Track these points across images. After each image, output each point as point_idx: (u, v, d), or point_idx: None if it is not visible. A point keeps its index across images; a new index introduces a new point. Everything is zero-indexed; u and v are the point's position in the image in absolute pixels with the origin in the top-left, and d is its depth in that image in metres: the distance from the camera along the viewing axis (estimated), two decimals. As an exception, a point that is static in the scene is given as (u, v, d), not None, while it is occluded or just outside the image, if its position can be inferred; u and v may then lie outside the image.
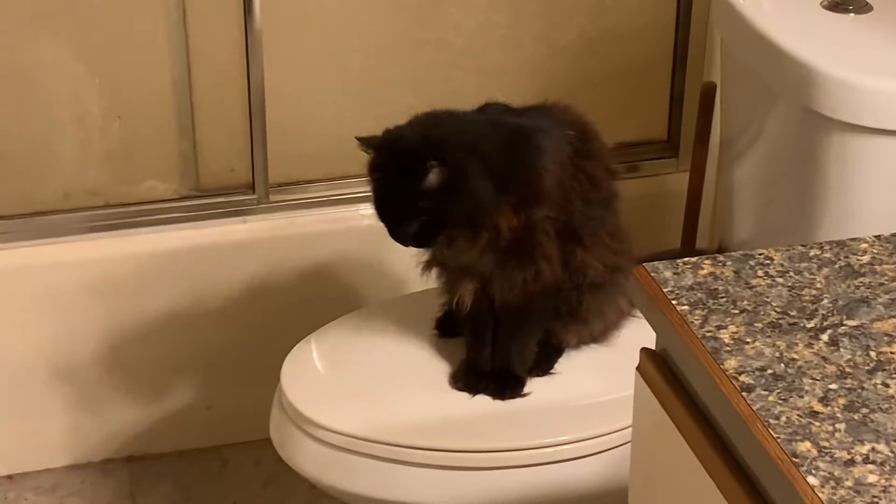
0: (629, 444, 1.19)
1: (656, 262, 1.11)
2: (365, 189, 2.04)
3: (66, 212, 2.01)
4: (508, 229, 1.49)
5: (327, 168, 2.09)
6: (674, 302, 1.07)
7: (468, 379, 1.58)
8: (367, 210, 2.05)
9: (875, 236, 1.14)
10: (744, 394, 0.97)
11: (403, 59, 2.06)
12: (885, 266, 1.11)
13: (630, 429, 1.19)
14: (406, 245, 1.47)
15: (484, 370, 1.58)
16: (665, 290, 1.08)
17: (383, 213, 1.47)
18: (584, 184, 1.55)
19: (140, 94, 1.99)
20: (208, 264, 2.05)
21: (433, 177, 1.42)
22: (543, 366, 1.61)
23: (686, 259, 1.12)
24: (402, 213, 1.45)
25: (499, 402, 1.57)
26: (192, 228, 2.04)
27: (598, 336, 1.64)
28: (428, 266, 1.61)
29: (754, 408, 0.95)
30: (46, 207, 2.00)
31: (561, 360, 1.63)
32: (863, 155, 1.49)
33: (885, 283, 1.08)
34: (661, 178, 2.19)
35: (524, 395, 1.58)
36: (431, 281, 1.62)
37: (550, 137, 1.52)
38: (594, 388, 1.60)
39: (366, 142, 1.47)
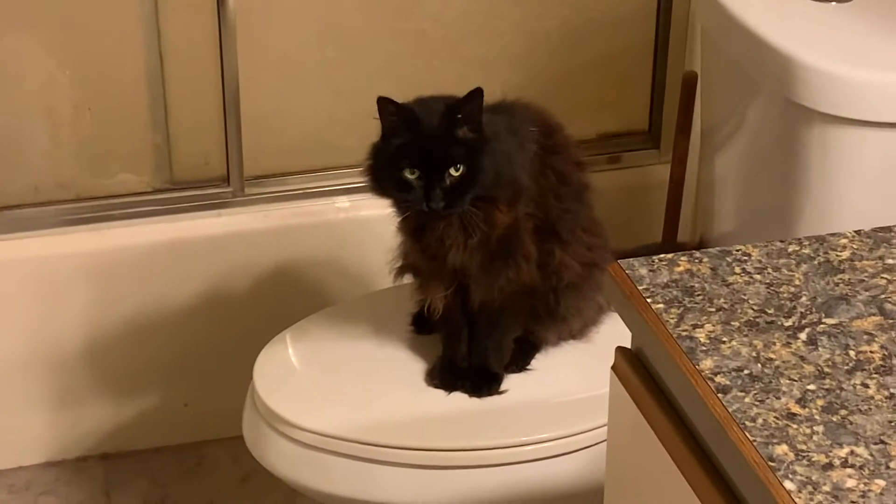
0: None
1: (631, 259, 1.09)
2: (341, 181, 2.06)
3: (37, 205, 1.98)
4: (502, 226, 1.48)
5: (303, 160, 2.06)
6: (649, 300, 1.04)
7: (444, 376, 1.56)
8: (344, 203, 2.06)
9: (855, 231, 1.12)
10: (720, 395, 0.94)
11: (381, 49, 2.04)
12: (864, 262, 1.08)
13: (608, 427, 1.17)
14: (435, 206, 1.43)
15: (460, 367, 1.56)
16: (640, 287, 1.06)
17: (418, 163, 1.43)
18: (552, 180, 1.53)
19: (112, 85, 1.96)
20: (183, 258, 2.02)
21: (463, 133, 1.43)
22: (520, 362, 1.59)
23: (662, 256, 1.09)
24: (437, 162, 1.42)
25: (476, 400, 1.55)
26: (165, 222, 2.01)
27: (577, 333, 1.62)
28: (401, 272, 1.59)
29: (730, 409, 0.93)
30: (16, 201, 1.98)
31: (539, 356, 1.61)
32: (844, 146, 1.47)
33: (865, 279, 1.06)
34: (643, 170, 2.17)
35: (501, 393, 1.56)
36: (407, 279, 1.60)
37: (520, 135, 1.50)
38: (572, 385, 1.58)
39: (390, 101, 1.44)
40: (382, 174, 1.47)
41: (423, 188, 1.43)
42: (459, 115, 1.43)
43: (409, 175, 1.44)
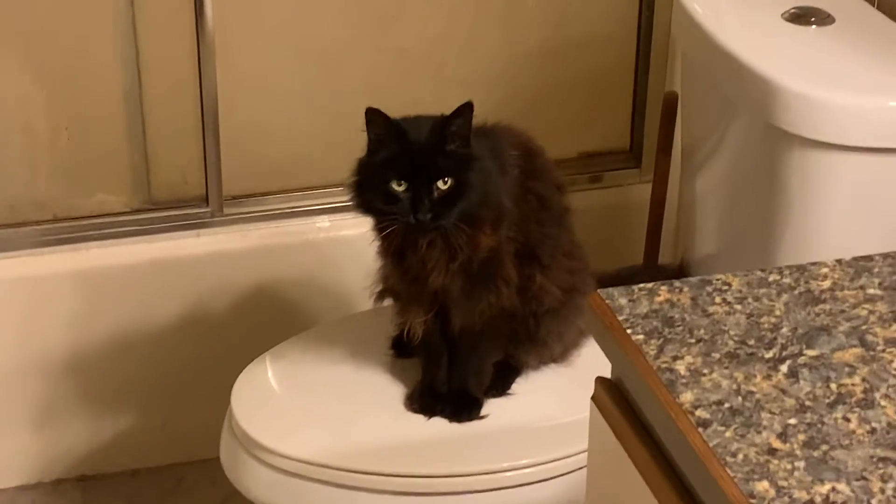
0: (588, 467, 1.16)
1: (611, 289, 1.08)
2: (321, 201, 2.05)
3: (13, 226, 1.97)
4: (485, 248, 1.47)
5: (283, 180, 2.05)
6: (629, 331, 1.03)
7: (424, 401, 1.55)
8: (324, 223, 2.05)
9: (836, 261, 1.11)
10: (700, 429, 0.93)
11: (362, 68, 2.03)
12: (845, 292, 1.07)
13: (589, 453, 1.16)
14: (422, 218, 1.42)
15: (440, 392, 1.55)
16: (620, 318, 1.05)
17: (406, 175, 1.42)
18: (533, 204, 1.53)
19: (89, 104, 1.95)
20: (161, 279, 2.01)
21: (452, 146, 1.43)
22: (500, 386, 1.58)
23: (641, 285, 1.08)
24: (425, 174, 1.42)
25: (456, 425, 1.54)
26: (144, 242, 2.00)
27: (558, 357, 1.62)
28: (381, 296, 1.58)
29: (711, 444, 0.92)
30: (-8, 221, 1.96)
31: (519, 380, 1.61)
32: (824, 170, 1.46)
33: (846, 310, 1.05)
34: (624, 189, 2.17)
35: (482, 418, 1.55)
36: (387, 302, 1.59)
37: (502, 159, 1.50)
38: (553, 410, 1.57)
39: (378, 112, 1.44)
40: (368, 188, 1.46)
41: (410, 200, 1.42)
42: (452, 129, 1.43)
43: (396, 187, 1.43)
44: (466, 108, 1.43)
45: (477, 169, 1.44)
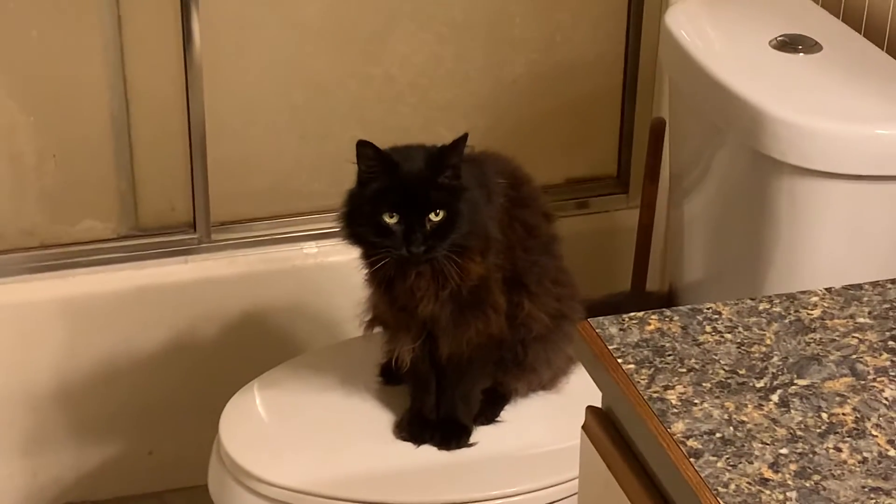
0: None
1: (601, 318, 1.08)
2: (309, 227, 2.05)
3: (0, 252, 1.95)
4: (475, 276, 1.47)
5: (270, 206, 2.05)
6: (619, 360, 1.03)
7: (413, 429, 1.54)
8: (312, 249, 2.04)
9: (825, 289, 1.11)
10: (692, 460, 0.93)
11: (349, 94, 2.03)
12: (836, 321, 1.08)
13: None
14: (415, 249, 1.42)
15: (428, 419, 1.55)
16: (610, 347, 1.05)
17: (398, 207, 1.42)
18: (520, 232, 1.53)
19: (76, 131, 1.94)
20: (148, 306, 2.00)
21: (444, 179, 1.43)
22: (489, 414, 1.58)
23: (632, 314, 1.08)
24: (418, 206, 1.41)
25: (445, 453, 1.54)
26: (131, 269, 1.99)
27: (547, 384, 1.61)
28: (371, 324, 1.58)
29: (702, 475, 0.92)
30: (-21, 248, 1.95)
31: (508, 408, 1.60)
32: (813, 198, 1.47)
33: (837, 339, 1.05)
34: (611, 215, 2.17)
35: (470, 445, 1.55)
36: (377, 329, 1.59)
37: (489, 187, 1.50)
38: (542, 438, 1.57)
39: (370, 145, 1.43)
40: (359, 220, 1.45)
41: (402, 232, 1.42)
42: (446, 161, 1.43)
43: (388, 219, 1.42)
44: (461, 141, 1.43)
45: (467, 199, 1.44)
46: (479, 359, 1.54)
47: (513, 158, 1.60)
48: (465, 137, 1.43)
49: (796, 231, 1.50)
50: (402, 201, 1.42)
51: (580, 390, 1.12)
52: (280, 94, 2.01)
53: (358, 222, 1.46)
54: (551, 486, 1.50)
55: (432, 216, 1.42)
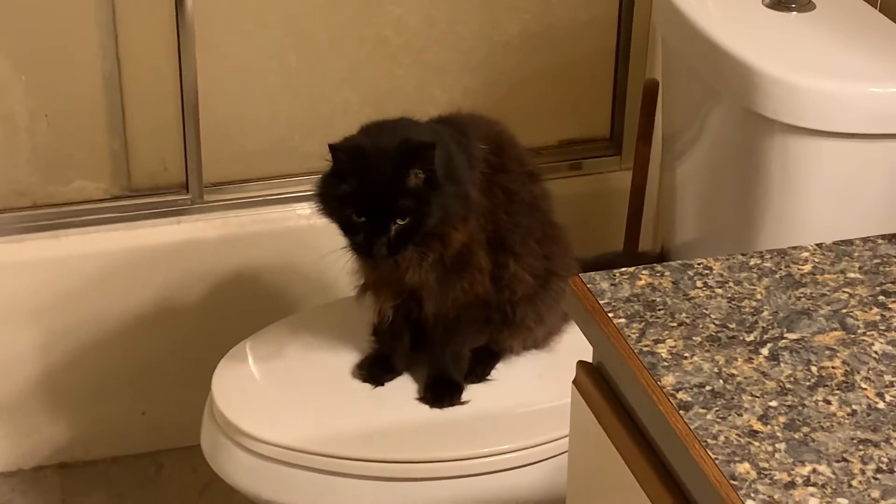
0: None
1: (593, 273, 1.08)
2: (301, 188, 2.04)
3: (-8, 212, 1.96)
4: (458, 244, 1.48)
5: (263, 167, 2.04)
6: (610, 314, 1.03)
7: (373, 370, 1.57)
8: (304, 210, 2.04)
9: (816, 245, 1.12)
10: (681, 412, 0.93)
11: (342, 55, 2.02)
12: (826, 276, 1.08)
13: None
14: (377, 254, 1.43)
15: (392, 365, 1.57)
16: (601, 302, 1.05)
17: (365, 213, 1.42)
18: (500, 197, 1.53)
19: (68, 91, 1.93)
20: (141, 266, 2.00)
21: (414, 179, 1.42)
22: (480, 372, 1.58)
23: (623, 269, 1.08)
24: (383, 213, 1.42)
25: (437, 411, 1.54)
26: (123, 229, 1.99)
27: (540, 342, 1.62)
28: (364, 290, 1.58)
29: (692, 427, 0.92)
30: (-29, 209, 1.95)
31: (500, 367, 1.61)
32: (805, 157, 1.47)
33: (827, 293, 1.06)
34: (604, 177, 2.17)
35: (463, 403, 1.55)
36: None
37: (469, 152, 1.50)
38: (534, 396, 1.57)
39: (342, 148, 1.43)
40: (329, 210, 1.47)
41: (367, 234, 1.43)
42: (412, 167, 1.41)
43: (355, 219, 1.43)
44: (428, 147, 1.42)
45: (439, 195, 1.43)
46: (466, 317, 1.54)
47: (498, 121, 1.60)
48: (431, 145, 1.42)
49: (788, 190, 1.50)
50: (368, 207, 1.43)
51: (573, 350, 1.13)
52: (273, 55, 2.00)
53: (329, 210, 1.47)
54: (543, 444, 1.51)
55: (399, 220, 1.42)
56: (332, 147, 1.44)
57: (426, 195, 1.43)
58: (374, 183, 1.42)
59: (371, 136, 1.47)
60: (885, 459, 0.89)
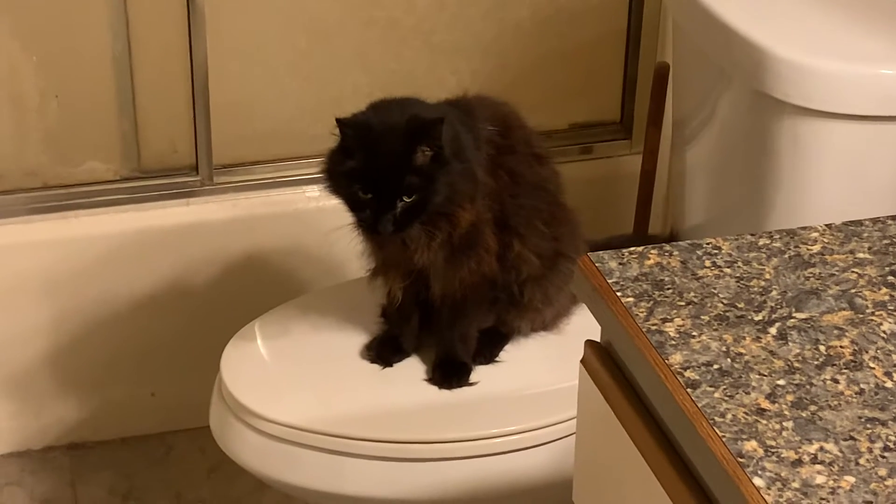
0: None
1: (601, 252, 1.08)
2: (311, 171, 2.04)
3: (2, 193, 1.96)
4: (465, 224, 1.47)
5: (273, 149, 2.05)
6: (618, 293, 1.03)
7: (382, 350, 1.57)
8: (314, 192, 2.04)
9: (826, 225, 1.11)
10: (689, 390, 0.93)
11: (352, 37, 2.02)
12: (835, 256, 1.08)
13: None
14: (383, 231, 1.43)
15: (401, 346, 1.56)
16: (610, 281, 1.05)
17: (371, 189, 1.42)
18: (505, 179, 1.53)
19: (79, 72, 1.94)
20: (150, 247, 2.00)
21: (421, 156, 1.42)
22: (488, 354, 1.58)
23: (632, 249, 1.08)
24: (390, 189, 1.41)
25: (445, 392, 1.54)
26: (133, 211, 1.99)
27: (549, 323, 1.62)
28: (375, 273, 1.58)
29: (699, 405, 0.92)
30: (-19, 189, 1.95)
31: (509, 348, 1.61)
32: (815, 139, 1.46)
33: (836, 273, 1.06)
34: (614, 160, 2.17)
35: (471, 384, 1.55)
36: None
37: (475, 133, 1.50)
38: (543, 377, 1.57)
39: (350, 123, 1.43)
40: (337, 186, 1.47)
41: (374, 211, 1.42)
42: (420, 143, 1.41)
43: (362, 195, 1.43)
44: (436, 124, 1.41)
45: (447, 173, 1.43)
46: (473, 298, 1.54)
47: (506, 102, 1.59)
48: (439, 120, 1.42)
49: (798, 172, 1.50)
50: (374, 183, 1.42)
51: (582, 332, 1.13)
52: (283, 38, 2.00)
53: (336, 186, 1.47)
54: (551, 426, 1.51)
55: (405, 198, 1.42)
56: (339, 121, 1.43)
57: (433, 172, 1.42)
58: (381, 159, 1.42)
59: (379, 112, 1.46)
60: (893, 438, 0.89)
